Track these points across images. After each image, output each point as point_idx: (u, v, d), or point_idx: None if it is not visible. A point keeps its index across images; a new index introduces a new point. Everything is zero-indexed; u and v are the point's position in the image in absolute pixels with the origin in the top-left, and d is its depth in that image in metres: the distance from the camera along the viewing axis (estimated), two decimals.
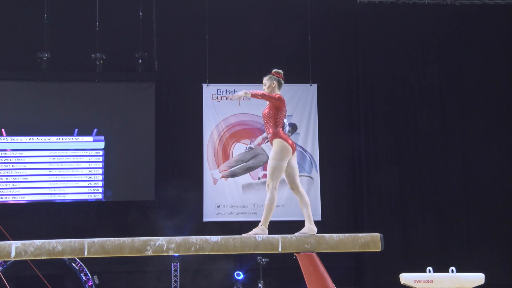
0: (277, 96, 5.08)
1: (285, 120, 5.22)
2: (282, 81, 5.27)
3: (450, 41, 11.43)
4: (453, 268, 7.50)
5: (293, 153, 5.08)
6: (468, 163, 11.14)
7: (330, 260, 7.19)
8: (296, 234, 4.88)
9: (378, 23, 11.32)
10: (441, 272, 7.59)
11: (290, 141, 5.06)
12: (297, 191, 5.08)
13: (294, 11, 11.29)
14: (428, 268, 7.54)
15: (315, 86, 11.12)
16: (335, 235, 4.86)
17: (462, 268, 7.90)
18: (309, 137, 11.05)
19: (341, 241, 4.83)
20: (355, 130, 11.30)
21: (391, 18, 11.34)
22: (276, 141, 5.05)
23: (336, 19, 11.43)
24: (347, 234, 4.90)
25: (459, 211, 11.01)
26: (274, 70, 5.29)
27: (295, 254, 4.85)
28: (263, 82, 5.25)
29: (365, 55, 11.30)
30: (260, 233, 4.88)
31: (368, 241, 4.84)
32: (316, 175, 10.96)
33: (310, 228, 4.93)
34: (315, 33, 11.13)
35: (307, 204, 5.03)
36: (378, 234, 4.89)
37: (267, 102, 5.12)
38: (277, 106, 5.06)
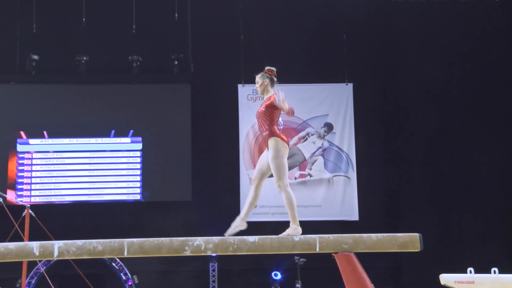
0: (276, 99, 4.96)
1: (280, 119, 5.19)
2: (275, 79, 5.26)
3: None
4: (495, 269, 7.32)
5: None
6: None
7: (368, 260, 7.11)
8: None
9: (410, 21, 11.18)
10: (482, 273, 7.43)
11: (284, 137, 5.08)
12: (255, 187, 5.25)
13: (328, 11, 11.21)
14: (469, 269, 7.38)
15: (350, 85, 11.02)
16: (373, 235, 4.79)
17: (504, 269, 7.71)
18: (345, 137, 10.97)
19: (379, 241, 4.76)
20: (391, 129, 11.18)
21: (421, 16, 11.19)
22: (273, 140, 5.05)
23: (369, 17, 11.32)
24: (385, 234, 4.82)
25: (502, 210, 10.77)
26: (266, 68, 5.29)
27: (333, 254, 4.81)
28: (256, 80, 5.25)
29: (397, 53, 11.17)
30: (293, 233, 4.85)
31: (407, 241, 4.76)
32: (353, 174, 10.86)
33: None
34: (349, 33, 11.06)
35: (252, 204, 5.19)
36: (417, 234, 4.80)
37: (264, 101, 5.14)
38: (277, 106, 4.99)
